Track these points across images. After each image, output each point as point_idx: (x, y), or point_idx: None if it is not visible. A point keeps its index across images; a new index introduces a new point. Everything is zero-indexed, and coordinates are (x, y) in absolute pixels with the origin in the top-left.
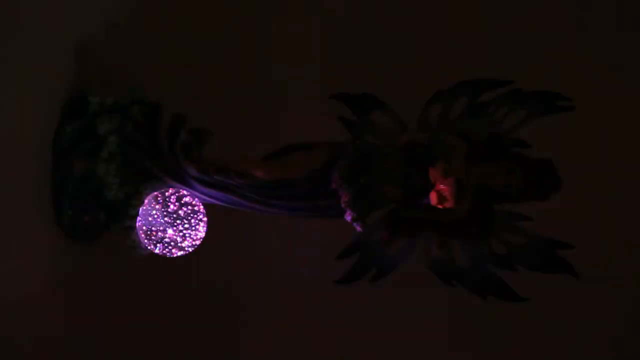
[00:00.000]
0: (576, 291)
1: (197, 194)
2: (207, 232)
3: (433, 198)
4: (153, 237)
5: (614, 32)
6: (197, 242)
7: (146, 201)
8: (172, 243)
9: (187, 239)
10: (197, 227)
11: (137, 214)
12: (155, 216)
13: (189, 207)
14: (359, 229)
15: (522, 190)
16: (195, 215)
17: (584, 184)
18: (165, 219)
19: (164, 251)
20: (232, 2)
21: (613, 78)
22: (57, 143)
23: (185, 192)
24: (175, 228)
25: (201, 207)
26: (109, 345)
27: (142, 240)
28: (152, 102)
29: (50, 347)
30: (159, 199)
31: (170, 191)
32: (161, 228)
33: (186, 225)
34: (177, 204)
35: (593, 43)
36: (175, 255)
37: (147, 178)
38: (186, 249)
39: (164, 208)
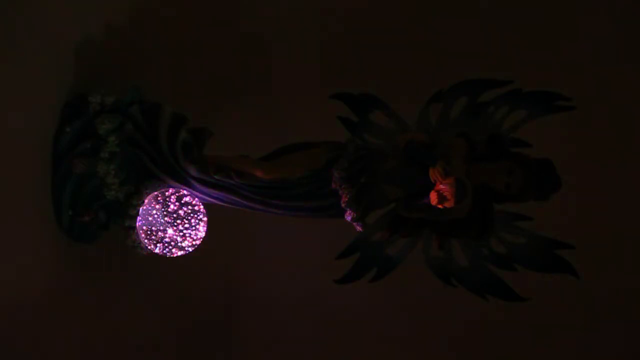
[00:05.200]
0: (576, 291)
1: (197, 194)
2: (207, 232)
3: (433, 198)
4: (153, 237)
5: (615, 32)
6: (197, 242)
7: (146, 201)
8: (172, 243)
9: (187, 238)
10: (197, 227)
11: (137, 214)
12: (156, 216)
13: (189, 207)
14: (359, 229)
15: (522, 190)
16: (195, 215)
17: (585, 184)
18: (166, 218)
19: (164, 251)
20: (233, 2)
21: (613, 78)
22: (57, 143)
23: (185, 192)
24: (175, 228)
25: (201, 207)
26: (109, 345)
27: (142, 240)
28: (152, 102)
29: (50, 347)
30: (159, 198)
31: (170, 191)
32: (161, 228)
33: (186, 225)
34: (177, 203)
35: (593, 42)
36: (175, 255)
37: (147, 178)
38: (186, 248)
39: (164, 208)
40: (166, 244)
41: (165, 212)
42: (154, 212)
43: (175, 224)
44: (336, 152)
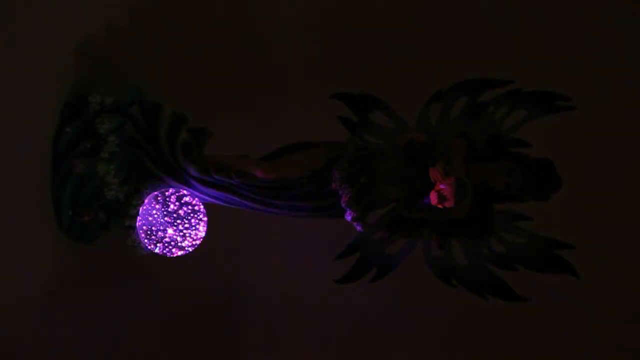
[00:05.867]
0: (576, 291)
1: (197, 193)
2: (207, 232)
3: (433, 198)
4: (153, 237)
5: (614, 32)
6: (197, 242)
7: (146, 201)
8: (172, 243)
9: (187, 238)
10: (197, 226)
11: (137, 214)
12: (156, 216)
13: (189, 206)
14: (359, 229)
15: (522, 190)
16: (195, 215)
17: (584, 184)
18: (166, 218)
19: (164, 251)
20: (233, 2)
21: (613, 77)
22: (57, 143)
23: (185, 191)
24: (175, 228)
25: (201, 206)
26: (108, 345)
27: (142, 240)
28: (152, 102)
29: (50, 347)
30: (159, 198)
31: (170, 191)
32: (161, 228)
33: (186, 225)
34: (177, 203)
35: (593, 43)
36: (175, 255)
37: (147, 178)
38: (186, 248)
39: (164, 208)
40: (166, 244)
41: (165, 212)
42: (154, 212)
43: (175, 223)
44: (336, 152)
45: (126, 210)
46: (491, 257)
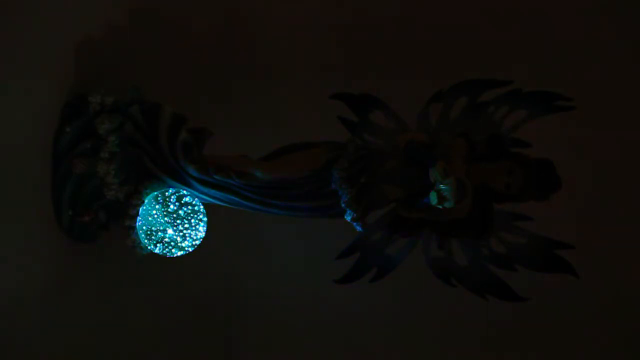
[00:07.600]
0: (576, 291)
1: (197, 194)
2: (207, 232)
3: (433, 198)
4: (153, 237)
5: (614, 31)
6: (197, 242)
7: (146, 201)
8: (172, 243)
9: (187, 238)
10: (197, 227)
11: (137, 214)
12: (155, 216)
13: (189, 207)
14: (359, 229)
15: (522, 190)
16: (195, 215)
17: (584, 184)
18: (165, 219)
19: (164, 251)
20: (233, 3)
21: (613, 77)
22: (57, 143)
23: (185, 192)
24: (175, 228)
25: (201, 207)
26: (108, 345)
27: (142, 240)
28: (152, 102)
29: (50, 347)
30: (159, 198)
31: (170, 191)
32: (161, 228)
33: (186, 225)
34: (177, 203)
35: (593, 42)
36: (175, 255)
37: (147, 178)
38: (186, 249)
39: (164, 208)
40: (166, 244)
41: (165, 212)
42: (154, 212)
43: (175, 224)
44: (336, 152)
45: (126, 210)
46: (491, 257)
